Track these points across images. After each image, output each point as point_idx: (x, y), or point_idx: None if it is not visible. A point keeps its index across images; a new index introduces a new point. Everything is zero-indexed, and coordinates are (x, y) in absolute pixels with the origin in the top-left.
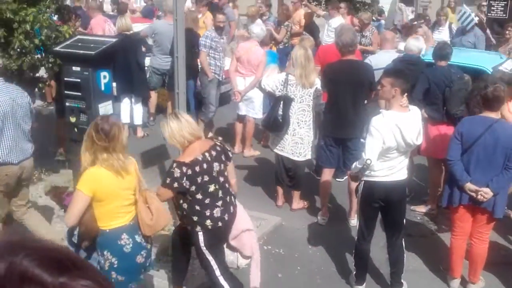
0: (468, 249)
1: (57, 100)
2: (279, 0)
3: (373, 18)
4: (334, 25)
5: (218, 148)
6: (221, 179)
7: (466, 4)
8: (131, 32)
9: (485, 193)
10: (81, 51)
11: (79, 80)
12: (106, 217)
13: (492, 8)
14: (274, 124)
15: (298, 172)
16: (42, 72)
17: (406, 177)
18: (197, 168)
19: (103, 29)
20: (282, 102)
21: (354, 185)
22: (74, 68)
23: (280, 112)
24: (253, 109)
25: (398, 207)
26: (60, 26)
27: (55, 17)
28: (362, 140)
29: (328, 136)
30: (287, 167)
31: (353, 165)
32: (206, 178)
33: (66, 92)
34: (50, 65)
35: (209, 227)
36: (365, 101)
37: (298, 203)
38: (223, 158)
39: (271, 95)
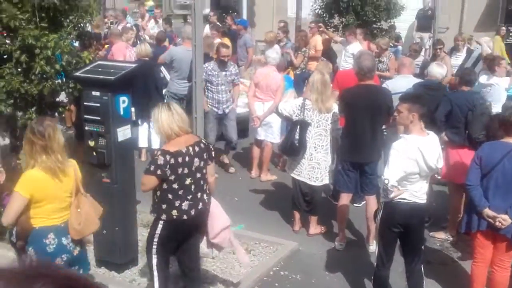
0: (490, 276)
1: (76, 125)
2: (297, 26)
3: (390, 44)
4: (351, 51)
5: (202, 145)
6: (198, 175)
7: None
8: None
9: (504, 220)
10: (101, 76)
11: (98, 105)
12: (39, 217)
13: (511, 33)
14: (291, 148)
15: (315, 197)
16: (62, 97)
17: (425, 202)
18: (180, 159)
19: (124, 55)
20: (299, 127)
21: (372, 210)
22: (93, 92)
23: (297, 136)
24: (272, 134)
25: (417, 232)
26: (80, 52)
27: (76, 43)
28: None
29: (345, 160)
30: (304, 191)
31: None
32: (185, 170)
33: (85, 116)
34: (70, 90)
35: (174, 217)
36: (383, 126)
37: (315, 228)
38: (205, 156)
39: (288, 120)
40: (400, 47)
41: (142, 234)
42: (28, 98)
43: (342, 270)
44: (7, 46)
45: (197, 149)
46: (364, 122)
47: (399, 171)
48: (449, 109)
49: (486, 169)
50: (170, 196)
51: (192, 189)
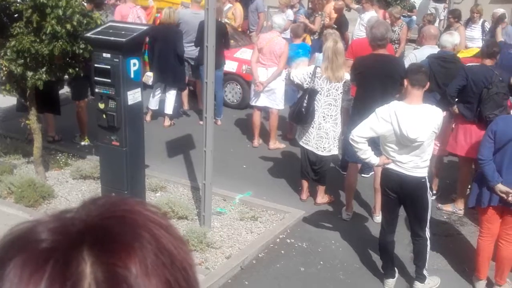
0: (496, 251)
1: (70, 83)
2: None
3: (404, 14)
4: (366, 19)
5: None
6: None
7: None
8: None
9: None
10: (112, 38)
11: (109, 67)
12: None
13: None
14: (298, 116)
15: (323, 166)
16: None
17: (419, 176)
18: None
19: (122, 16)
20: (307, 95)
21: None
22: (104, 54)
23: (305, 104)
24: (275, 100)
25: (415, 202)
26: (91, 12)
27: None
28: None
29: None
30: (312, 160)
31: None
32: None
33: (95, 78)
34: (81, 51)
35: None
36: (396, 96)
37: (322, 197)
38: None
39: (300, 87)
40: (414, 17)
41: (150, 198)
42: (39, 58)
43: (348, 240)
44: (18, 4)
45: None
46: (375, 91)
47: (365, 128)
48: (464, 84)
49: (500, 143)
50: None
51: None
